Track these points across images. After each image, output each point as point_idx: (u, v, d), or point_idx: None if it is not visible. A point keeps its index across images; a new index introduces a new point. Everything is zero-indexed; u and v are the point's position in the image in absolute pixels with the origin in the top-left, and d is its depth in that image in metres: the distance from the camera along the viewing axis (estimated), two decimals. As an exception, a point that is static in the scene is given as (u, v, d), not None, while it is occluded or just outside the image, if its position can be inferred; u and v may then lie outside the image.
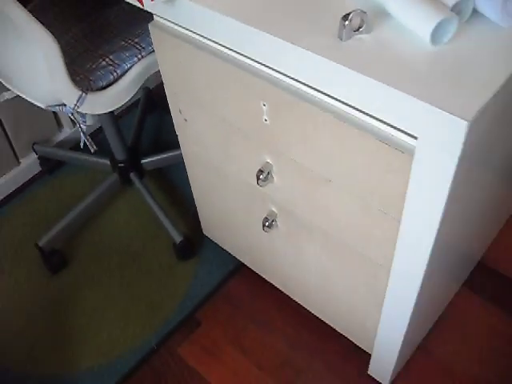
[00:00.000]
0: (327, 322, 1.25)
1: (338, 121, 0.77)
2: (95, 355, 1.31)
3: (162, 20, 0.96)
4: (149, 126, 1.80)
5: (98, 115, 1.39)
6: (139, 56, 1.17)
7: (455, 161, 0.63)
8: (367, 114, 0.73)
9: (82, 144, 1.17)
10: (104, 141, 1.66)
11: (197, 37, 0.92)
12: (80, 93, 1.08)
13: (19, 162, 1.68)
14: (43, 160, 1.69)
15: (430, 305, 1.12)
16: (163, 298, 1.39)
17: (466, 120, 0.58)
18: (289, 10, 0.75)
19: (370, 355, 1.19)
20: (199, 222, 1.44)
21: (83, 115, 1.13)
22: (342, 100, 0.71)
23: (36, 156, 1.69)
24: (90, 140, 1.13)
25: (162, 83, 1.09)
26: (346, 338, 1.25)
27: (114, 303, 1.39)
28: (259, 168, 0.97)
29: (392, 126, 0.71)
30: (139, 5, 0.84)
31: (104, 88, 1.13)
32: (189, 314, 1.36)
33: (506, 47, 0.66)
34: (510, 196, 1.34)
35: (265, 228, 1.08)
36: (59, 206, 1.61)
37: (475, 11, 0.70)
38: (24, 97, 1.16)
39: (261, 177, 0.97)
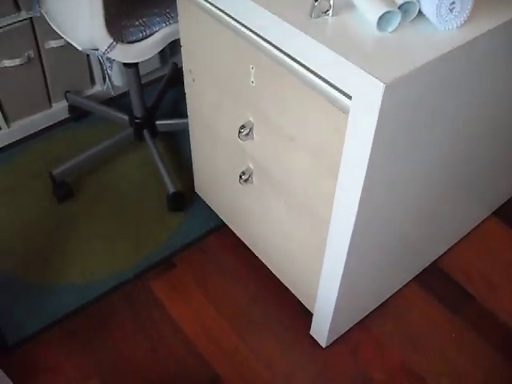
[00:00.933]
0: (284, 282, 1.42)
1: (300, 84, 0.95)
2: (78, 274, 1.50)
3: (187, -11, 1.17)
4: (169, 97, 2.01)
5: (127, 76, 1.60)
6: (167, 23, 1.38)
7: (375, 117, 0.81)
8: (321, 78, 0.92)
9: (105, 86, 1.37)
10: (128, 102, 1.87)
11: (210, 7, 1.12)
12: (111, 41, 1.29)
13: (51, 106, 1.90)
14: (72, 108, 1.91)
15: (367, 280, 1.28)
16: (148, 240, 1.58)
17: (383, 82, 0.76)
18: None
19: (313, 316, 1.35)
20: (193, 182, 1.63)
21: (111, 61, 1.34)
22: (304, 63, 0.89)
23: (67, 103, 1.91)
24: (112, 83, 1.33)
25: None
26: (297, 299, 1.41)
27: (105, 236, 1.58)
28: (242, 124, 1.16)
29: (338, 90, 0.90)
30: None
31: (132, 42, 1.34)
32: (166, 257, 1.54)
33: (433, 43, 0.84)
34: (472, 208, 1.50)
35: (241, 181, 1.26)
36: (78, 148, 1.81)
37: (423, 15, 0.88)
38: (66, 39, 1.38)
39: (242, 131, 1.16)
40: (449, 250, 1.58)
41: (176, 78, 2.01)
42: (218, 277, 1.50)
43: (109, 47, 1.28)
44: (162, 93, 1.89)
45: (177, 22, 1.37)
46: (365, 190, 0.95)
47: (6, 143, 1.84)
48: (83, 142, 1.84)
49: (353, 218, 1.01)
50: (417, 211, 1.22)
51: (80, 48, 1.35)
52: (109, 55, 1.30)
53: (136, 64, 1.59)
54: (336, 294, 1.20)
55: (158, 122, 1.76)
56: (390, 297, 1.47)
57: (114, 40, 1.29)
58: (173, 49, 2.10)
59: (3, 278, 1.48)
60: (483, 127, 1.18)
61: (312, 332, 1.38)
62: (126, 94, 2.01)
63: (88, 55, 1.88)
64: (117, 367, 1.33)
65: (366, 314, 1.43)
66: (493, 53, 0.97)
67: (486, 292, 1.49)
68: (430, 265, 1.54)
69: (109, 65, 1.33)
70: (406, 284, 1.50)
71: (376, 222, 1.09)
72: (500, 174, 1.49)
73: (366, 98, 0.81)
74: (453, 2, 0.83)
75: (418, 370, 1.34)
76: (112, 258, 1.53)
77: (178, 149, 1.84)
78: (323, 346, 1.37)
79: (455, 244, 1.59)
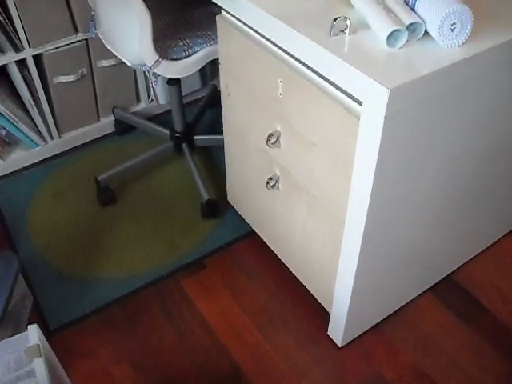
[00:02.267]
0: (303, 283, 1.52)
1: (321, 93, 1.08)
2: (117, 270, 1.63)
3: (225, 13, 1.32)
4: (207, 116, 2.17)
5: (170, 93, 1.76)
6: (208, 44, 1.53)
7: (382, 120, 0.93)
8: (338, 88, 1.05)
9: (149, 99, 1.53)
10: (169, 120, 2.03)
11: (245, 28, 1.26)
12: (157, 57, 1.45)
13: (99, 120, 2.08)
14: (118, 122, 2.08)
15: (381, 284, 1.37)
16: (182, 243, 1.71)
17: (388, 88, 0.88)
18: (307, 13, 1.08)
19: (330, 317, 1.45)
20: (226, 192, 1.76)
21: (156, 76, 1.50)
22: (323, 75, 1.02)
23: (113, 118, 2.08)
24: (156, 95, 1.49)
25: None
26: (314, 298, 1.51)
27: (142, 237, 1.72)
28: (270, 132, 1.29)
29: (352, 98, 1.02)
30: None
31: (176, 60, 1.49)
32: (198, 259, 1.67)
33: (435, 58, 0.96)
34: (489, 224, 1.59)
35: (268, 186, 1.39)
36: (122, 158, 1.97)
37: (429, 34, 1.01)
38: (118, 56, 1.54)
39: (270, 139, 1.29)
40: (465, 263, 1.66)
41: (215, 99, 2.17)
42: (243, 278, 1.62)
43: (155, 63, 1.44)
44: (202, 111, 2.04)
45: (217, 43, 1.53)
46: (375, 190, 1.06)
47: (58, 152, 2.02)
48: (127, 153, 2.01)
49: (364, 218, 1.12)
50: (429, 221, 1.32)
51: (129, 64, 1.51)
52: (154, 70, 1.45)
53: (178, 82, 1.75)
54: (350, 295, 1.30)
55: (196, 137, 1.91)
56: (405, 304, 1.55)
57: (160, 57, 1.45)
58: (213, 71, 2.27)
59: (49, 270, 1.63)
60: (491, 143, 1.28)
61: (329, 332, 1.47)
62: (167, 112, 2.18)
63: (135, 75, 2.05)
64: (147, 354, 1.45)
65: (382, 318, 1.52)
66: (493, 70, 1.08)
67: (499, 305, 1.56)
68: (445, 277, 1.62)
69: (154, 79, 1.49)
70: (421, 294, 1.58)
71: (388, 225, 1.19)
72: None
73: (374, 103, 0.93)
74: (453, 23, 0.95)
75: (429, 373, 1.41)
76: (148, 257, 1.67)
77: (213, 162, 1.98)
78: (339, 345, 1.46)
79: (471, 258, 1.67)
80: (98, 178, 1.80)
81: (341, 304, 1.35)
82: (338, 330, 1.43)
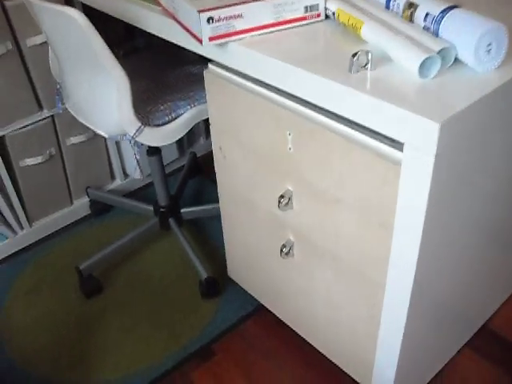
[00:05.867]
0: (331, 359, 1.34)
1: (347, 143, 0.94)
2: (114, 369, 1.42)
3: (214, 67, 1.19)
4: (190, 185, 2.00)
5: (151, 165, 1.61)
6: (192, 105, 1.39)
7: (432, 160, 0.79)
8: (368, 134, 0.91)
9: (134, 172, 1.37)
10: (151, 193, 1.87)
11: (239, 79, 1.13)
12: (139, 125, 1.29)
13: (72, 203, 1.89)
14: (94, 203, 1.90)
15: (425, 348, 1.21)
16: (184, 328, 1.51)
17: (438, 122, 0.75)
18: (313, 54, 0.95)
19: (369, 393, 1.26)
20: (226, 267, 1.58)
21: (139, 146, 1.34)
22: (349, 118, 0.89)
23: (87, 199, 1.90)
24: (140, 167, 1.33)
25: (207, 153, 1.27)
26: (349, 376, 1.33)
27: (138, 328, 1.52)
28: (281, 193, 1.14)
29: (386, 140, 0.88)
30: (199, 45, 1.06)
31: (160, 125, 1.35)
32: (205, 345, 1.47)
33: (474, 85, 0.84)
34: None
35: (282, 254, 1.22)
36: (103, 242, 1.79)
37: (460, 60, 0.89)
38: (94, 129, 1.39)
39: (282, 201, 1.13)
40: (497, 310, 1.51)
41: (195, 167, 2.02)
42: (261, 362, 1.42)
43: (137, 131, 1.29)
44: (184, 181, 1.89)
45: (202, 103, 1.39)
46: (423, 244, 0.91)
47: (30, 243, 1.82)
48: (108, 236, 1.82)
49: (410, 279, 0.96)
50: (470, 266, 1.17)
51: (107, 136, 1.36)
52: (137, 139, 1.30)
53: (159, 151, 1.60)
54: (395, 366, 1.13)
55: (183, 210, 1.74)
56: (445, 365, 1.38)
57: (142, 124, 1.30)
58: (190, 138, 2.13)
59: (35, 381, 1.40)
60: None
61: (369, 411, 1.28)
62: (146, 187, 2.02)
63: (107, 150, 1.89)
64: None
65: (424, 385, 1.34)
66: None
67: (544, 352, 1.41)
68: (480, 327, 1.47)
69: (138, 149, 1.33)
70: (459, 350, 1.42)
71: (434, 280, 1.04)
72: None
73: (419, 142, 0.79)
74: (489, 44, 0.84)
75: None
76: (147, 350, 1.46)
77: (205, 235, 1.81)
78: (383, 424, 1.27)
79: (503, 303, 1.53)
80: (80, 267, 1.60)
81: (383, 377, 1.17)
82: (380, 409, 1.24)
